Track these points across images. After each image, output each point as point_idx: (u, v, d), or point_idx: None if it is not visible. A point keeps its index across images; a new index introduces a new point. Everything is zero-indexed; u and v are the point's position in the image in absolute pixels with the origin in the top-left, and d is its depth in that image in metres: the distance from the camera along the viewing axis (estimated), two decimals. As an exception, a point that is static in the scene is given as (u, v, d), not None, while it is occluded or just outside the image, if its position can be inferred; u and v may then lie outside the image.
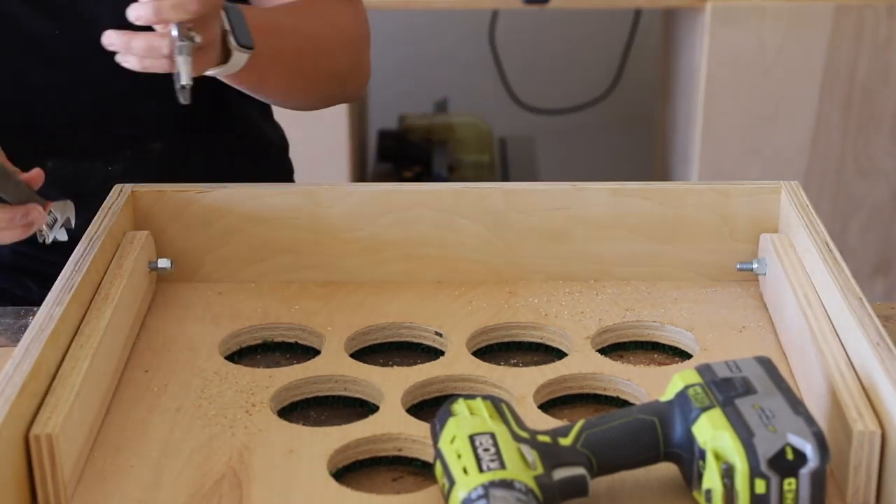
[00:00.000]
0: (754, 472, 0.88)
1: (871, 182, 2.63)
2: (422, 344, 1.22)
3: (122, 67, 1.27)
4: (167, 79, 1.29)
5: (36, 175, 1.19)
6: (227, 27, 1.19)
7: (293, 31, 1.32)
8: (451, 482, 0.91)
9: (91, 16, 1.31)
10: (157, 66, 1.13)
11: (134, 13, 1.11)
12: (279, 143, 1.61)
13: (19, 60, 1.32)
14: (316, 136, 2.58)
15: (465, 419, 0.94)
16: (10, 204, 1.14)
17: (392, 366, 1.18)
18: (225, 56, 1.20)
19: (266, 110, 1.57)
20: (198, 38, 1.13)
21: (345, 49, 1.39)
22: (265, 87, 1.33)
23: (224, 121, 1.47)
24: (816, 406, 1.02)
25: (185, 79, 1.13)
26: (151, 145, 1.39)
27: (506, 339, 1.22)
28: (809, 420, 0.90)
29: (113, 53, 1.23)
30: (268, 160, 1.56)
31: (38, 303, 1.10)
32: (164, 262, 1.27)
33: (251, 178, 1.37)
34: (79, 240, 1.19)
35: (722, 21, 2.50)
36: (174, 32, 1.12)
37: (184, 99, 1.14)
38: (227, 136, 1.48)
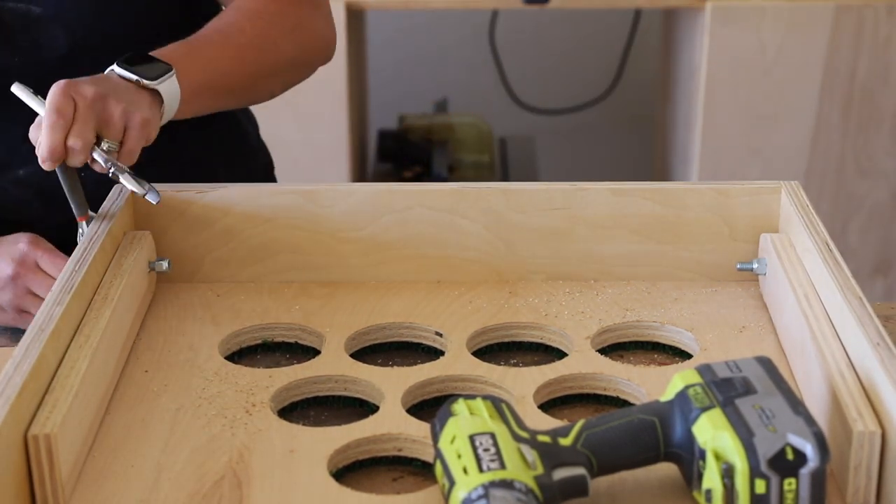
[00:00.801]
0: (754, 472, 0.88)
1: (871, 182, 2.63)
2: (422, 344, 1.22)
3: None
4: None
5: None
6: (133, 78, 1.22)
7: (223, 42, 1.33)
8: (452, 482, 0.91)
9: (48, 42, 1.32)
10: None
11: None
12: (253, 130, 1.61)
13: None
14: (316, 136, 2.58)
15: (466, 419, 0.94)
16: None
17: (392, 366, 1.18)
18: (157, 98, 1.24)
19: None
20: (113, 146, 1.18)
21: (286, 36, 1.39)
22: (221, 101, 1.37)
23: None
24: (816, 406, 1.02)
25: (132, 186, 1.19)
26: None
27: (506, 339, 1.22)
28: (809, 420, 0.90)
29: (68, 76, 1.25)
30: (245, 148, 1.55)
31: None
32: (162, 263, 1.26)
33: (224, 167, 1.39)
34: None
35: (722, 21, 2.50)
36: (98, 158, 1.18)
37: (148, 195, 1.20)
38: (195, 130, 1.45)
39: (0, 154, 1.37)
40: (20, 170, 1.37)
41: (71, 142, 1.16)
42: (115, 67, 1.23)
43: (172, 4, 1.42)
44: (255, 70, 1.36)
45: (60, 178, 1.19)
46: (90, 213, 1.22)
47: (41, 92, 1.23)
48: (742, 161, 2.61)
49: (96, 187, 1.28)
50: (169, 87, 1.24)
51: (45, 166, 1.16)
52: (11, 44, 1.32)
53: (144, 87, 1.23)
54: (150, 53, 1.26)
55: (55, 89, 1.17)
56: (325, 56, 1.46)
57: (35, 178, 1.36)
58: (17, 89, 1.21)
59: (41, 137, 1.16)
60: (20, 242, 1.27)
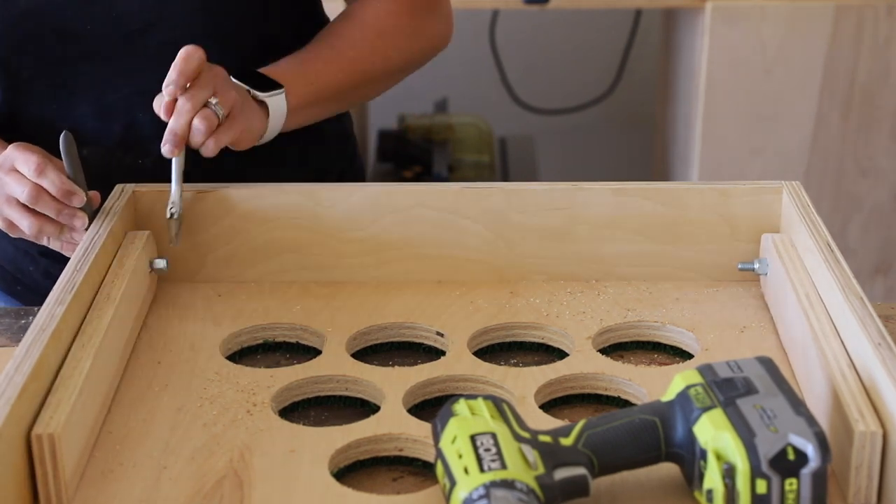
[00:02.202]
0: (755, 473, 0.88)
1: (871, 182, 2.63)
2: (423, 344, 1.22)
3: (155, 63, 1.31)
4: None
5: (93, 196, 1.25)
6: (245, 87, 1.28)
7: (333, 58, 1.36)
8: (453, 482, 0.91)
9: (123, 9, 1.31)
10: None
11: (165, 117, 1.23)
12: (337, 133, 1.55)
13: (56, 53, 1.33)
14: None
15: (467, 419, 0.94)
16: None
17: (393, 366, 1.18)
18: (265, 110, 1.29)
19: None
20: (220, 109, 1.23)
21: (398, 47, 1.40)
22: (324, 113, 1.39)
23: None
24: (818, 406, 1.02)
25: (172, 230, 1.25)
26: None
27: (507, 339, 1.22)
28: (811, 420, 0.90)
29: (147, 49, 1.31)
30: (321, 152, 1.51)
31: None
32: (160, 262, 1.26)
33: (297, 175, 1.38)
34: None
35: (722, 21, 2.50)
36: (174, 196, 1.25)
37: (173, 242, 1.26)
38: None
39: (71, 131, 1.36)
40: (84, 149, 1.37)
41: (185, 99, 1.21)
42: (230, 75, 1.28)
43: None
44: (362, 81, 1.39)
45: (63, 148, 1.22)
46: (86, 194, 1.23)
47: (114, 59, 1.29)
48: (742, 161, 2.61)
49: (128, 180, 1.30)
50: (277, 102, 1.29)
51: (166, 95, 1.21)
52: (87, 11, 1.32)
53: (254, 98, 1.28)
54: (261, 70, 1.31)
55: (189, 48, 1.21)
56: (438, 51, 1.47)
57: (97, 159, 1.36)
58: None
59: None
60: (6, 148, 1.25)
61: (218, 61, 1.34)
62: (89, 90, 1.35)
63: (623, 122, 3.34)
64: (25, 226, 1.23)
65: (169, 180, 1.25)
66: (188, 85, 1.21)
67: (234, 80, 1.28)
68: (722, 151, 2.60)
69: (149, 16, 1.32)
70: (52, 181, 1.21)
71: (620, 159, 3.35)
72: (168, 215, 1.24)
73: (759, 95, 2.56)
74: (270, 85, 1.29)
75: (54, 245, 1.27)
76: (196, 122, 1.21)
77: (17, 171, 1.22)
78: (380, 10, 1.40)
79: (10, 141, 1.33)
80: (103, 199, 1.27)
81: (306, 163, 1.42)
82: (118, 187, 1.30)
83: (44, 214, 1.23)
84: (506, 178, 2.98)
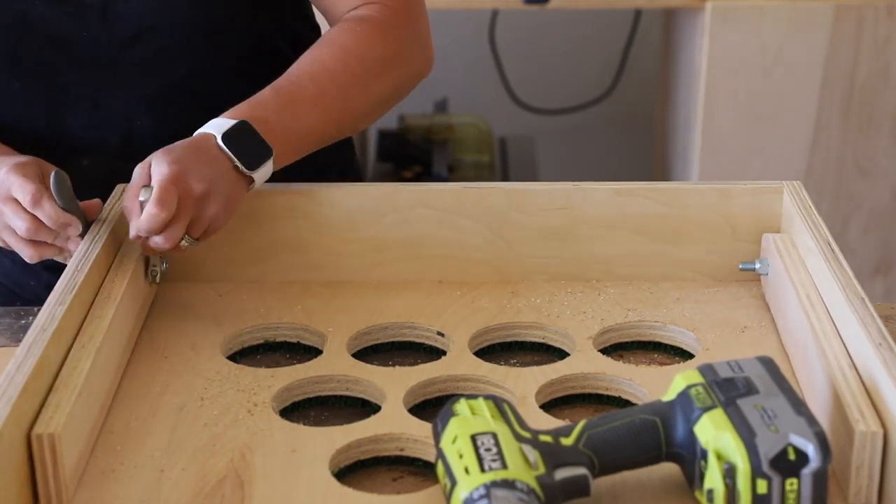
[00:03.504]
0: (756, 473, 0.89)
1: (871, 182, 2.63)
2: (424, 344, 1.22)
3: (150, 70, 1.32)
4: (197, 82, 1.30)
5: (95, 205, 1.24)
6: (235, 161, 1.19)
7: (315, 94, 1.28)
8: (453, 482, 0.91)
9: (117, 16, 1.31)
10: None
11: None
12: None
13: (49, 61, 1.32)
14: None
15: (467, 419, 0.94)
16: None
17: (394, 366, 1.18)
18: (247, 179, 1.21)
19: None
20: (193, 243, 1.19)
21: (379, 74, 1.32)
22: (308, 149, 1.30)
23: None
24: (818, 406, 1.02)
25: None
26: None
27: (508, 339, 1.22)
28: (811, 420, 0.90)
29: (142, 55, 1.29)
30: (318, 154, 1.45)
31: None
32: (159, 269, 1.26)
33: (293, 178, 1.36)
34: None
35: (722, 21, 2.50)
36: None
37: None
38: None
39: (69, 141, 1.37)
40: (84, 160, 1.37)
41: (160, 240, 1.16)
42: (217, 138, 1.19)
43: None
44: (346, 119, 1.32)
45: (55, 192, 1.19)
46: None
47: (109, 68, 1.28)
48: (742, 161, 2.61)
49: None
50: (264, 173, 1.22)
51: (130, 236, 1.18)
52: (81, 19, 1.31)
53: (240, 171, 1.20)
54: (246, 118, 1.22)
55: (167, 176, 1.15)
56: (420, 78, 1.40)
57: (99, 170, 1.36)
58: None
59: (138, 219, 1.16)
60: (3, 170, 1.22)
61: (212, 65, 1.34)
62: (85, 99, 1.34)
63: (623, 122, 3.34)
64: (26, 255, 1.23)
65: None
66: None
67: (221, 145, 1.19)
68: (722, 151, 2.60)
69: (143, 22, 1.31)
70: (48, 214, 1.19)
71: (620, 159, 3.35)
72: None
73: (759, 95, 2.56)
74: (259, 150, 1.21)
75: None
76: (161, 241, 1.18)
77: (15, 199, 1.20)
78: (360, 37, 1.32)
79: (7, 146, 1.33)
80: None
81: (305, 165, 1.41)
82: (118, 187, 1.30)
83: (42, 241, 1.22)
84: (506, 178, 2.98)
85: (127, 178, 1.35)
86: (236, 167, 1.20)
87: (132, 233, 1.17)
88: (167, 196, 1.14)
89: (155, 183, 1.15)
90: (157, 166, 1.16)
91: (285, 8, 1.43)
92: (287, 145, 1.24)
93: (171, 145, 1.19)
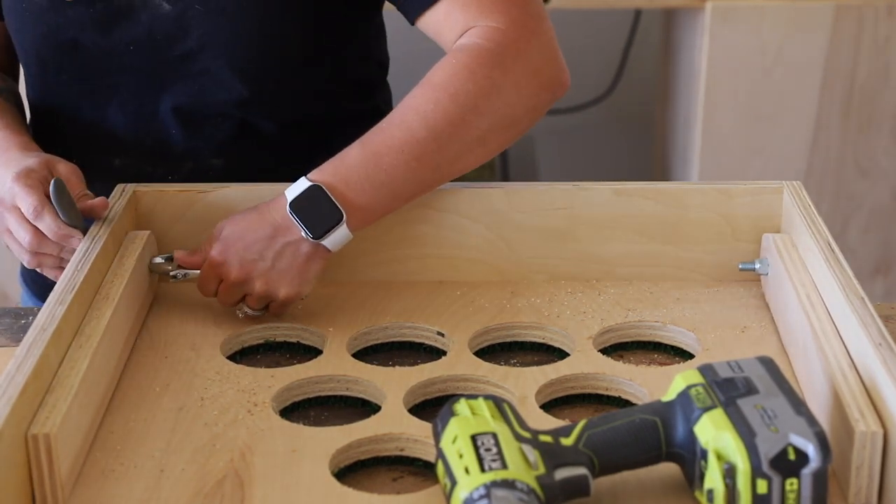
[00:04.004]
0: (756, 472, 0.88)
1: (871, 182, 2.62)
2: (423, 344, 1.22)
3: (192, 86, 1.32)
4: (235, 104, 1.31)
5: (100, 203, 1.24)
6: (301, 228, 1.18)
7: (402, 143, 1.18)
8: (453, 482, 0.91)
9: (163, 35, 1.30)
10: None
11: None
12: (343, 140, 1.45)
13: (94, 61, 1.33)
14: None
15: (467, 419, 0.94)
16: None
17: (394, 366, 1.18)
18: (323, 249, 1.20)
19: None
20: (251, 312, 1.23)
21: (476, 108, 1.19)
22: (406, 198, 1.23)
23: (293, 141, 1.39)
24: (818, 406, 1.02)
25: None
26: (212, 161, 1.37)
27: (507, 339, 1.22)
28: (811, 420, 0.90)
29: (185, 71, 1.30)
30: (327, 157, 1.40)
31: None
32: (158, 260, 1.26)
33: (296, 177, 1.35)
34: None
35: (722, 21, 2.50)
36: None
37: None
38: (293, 159, 1.36)
39: (100, 141, 1.37)
40: (116, 159, 1.37)
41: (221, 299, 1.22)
42: (287, 205, 1.18)
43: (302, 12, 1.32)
44: (443, 161, 1.20)
45: (56, 203, 1.20)
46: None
47: (148, 80, 1.30)
48: (742, 161, 2.61)
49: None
50: (336, 238, 1.19)
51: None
52: (130, 33, 1.31)
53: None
54: (329, 166, 1.19)
55: (206, 264, 1.21)
56: (550, 98, 1.26)
57: (130, 170, 1.36)
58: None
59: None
60: (9, 176, 1.22)
61: (257, 99, 1.32)
62: (126, 101, 1.35)
63: (623, 122, 3.34)
64: (26, 261, 1.24)
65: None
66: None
67: (289, 213, 1.17)
68: (722, 151, 2.60)
69: (188, 46, 1.30)
70: (48, 226, 1.19)
71: (620, 159, 3.35)
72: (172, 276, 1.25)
73: (759, 95, 2.56)
74: (328, 216, 1.17)
75: (48, 273, 1.26)
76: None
77: (18, 209, 1.21)
78: (455, 67, 1.20)
79: (38, 129, 1.34)
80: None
81: (305, 167, 1.41)
82: (119, 187, 1.30)
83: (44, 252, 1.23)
84: (506, 178, 2.98)
85: (152, 181, 1.34)
86: (304, 237, 1.18)
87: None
88: (204, 283, 1.21)
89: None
90: (209, 245, 1.21)
91: (350, 47, 1.38)
92: (375, 199, 1.19)
93: (241, 214, 1.21)
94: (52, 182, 1.19)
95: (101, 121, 1.36)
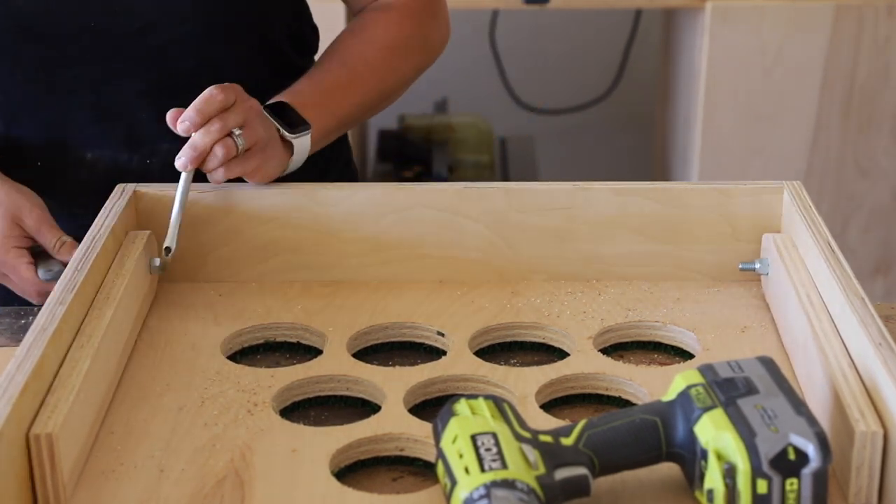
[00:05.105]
0: (756, 473, 0.88)
1: (871, 182, 2.63)
2: (424, 344, 1.22)
3: (154, 63, 1.34)
4: (201, 75, 1.30)
5: (72, 246, 1.28)
6: (276, 124, 1.28)
7: (350, 81, 1.38)
8: (453, 482, 0.91)
9: (124, 8, 1.31)
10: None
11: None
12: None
13: (51, 54, 1.33)
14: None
15: (467, 419, 0.94)
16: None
17: (394, 365, 1.18)
18: (289, 149, 1.29)
19: None
20: (241, 142, 1.24)
21: (408, 60, 1.44)
22: (344, 129, 1.41)
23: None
24: (818, 406, 1.02)
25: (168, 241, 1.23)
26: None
27: (508, 339, 1.22)
28: (811, 420, 0.90)
29: (146, 48, 1.31)
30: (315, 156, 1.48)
31: None
32: (157, 261, 1.26)
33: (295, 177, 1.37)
34: None
35: (722, 21, 2.51)
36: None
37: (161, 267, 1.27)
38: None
39: (73, 133, 1.37)
40: (88, 153, 1.37)
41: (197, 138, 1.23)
42: (269, 110, 1.29)
43: None
44: (378, 99, 1.42)
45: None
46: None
47: (114, 58, 1.31)
48: (742, 161, 2.61)
49: (137, 181, 1.30)
50: (303, 142, 1.30)
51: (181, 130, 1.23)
52: (86, 10, 1.31)
53: (281, 136, 1.29)
54: (285, 98, 1.31)
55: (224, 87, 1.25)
56: (437, 57, 1.49)
57: (103, 163, 1.37)
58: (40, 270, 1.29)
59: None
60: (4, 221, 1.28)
61: (216, 58, 1.34)
62: (88, 92, 1.35)
63: (623, 122, 3.34)
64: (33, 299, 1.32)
65: (177, 181, 1.25)
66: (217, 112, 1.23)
67: (267, 114, 1.28)
68: (722, 151, 2.61)
69: (149, 15, 1.32)
70: (29, 295, 1.30)
71: (620, 159, 3.35)
72: (164, 252, 1.24)
73: (759, 95, 2.56)
74: (298, 122, 1.30)
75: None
76: (216, 146, 1.22)
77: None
78: (389, 24, 1.42)
79: (6, 156, 1.34)
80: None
81: (304, 167, 1.41)
82: (119, 187, 1.30)
83: None
84: (506, 178, 2.98)
85: (130, 171, 1.35)
86: (278, 130, 1.28)
87: (184, 126, 1.23)
88: (214, 94, 1.22)
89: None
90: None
91: (288, 5, 1.44)
92: (325, 127, 1.33)
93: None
94: (40, 271, 1.27)
95: (64, 117, 1.36)
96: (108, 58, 1.33)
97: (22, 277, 1.29)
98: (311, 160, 1.34)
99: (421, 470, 1.04)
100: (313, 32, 1.51)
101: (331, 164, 1.49)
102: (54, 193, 1.36)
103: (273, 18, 1.42)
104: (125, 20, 1.32)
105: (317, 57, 1.48)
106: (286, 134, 1.28)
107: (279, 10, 1.43)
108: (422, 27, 1.44)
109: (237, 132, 1.23)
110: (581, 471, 0.92)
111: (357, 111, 1.40)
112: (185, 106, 1.29)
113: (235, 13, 1.36)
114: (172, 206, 1.23)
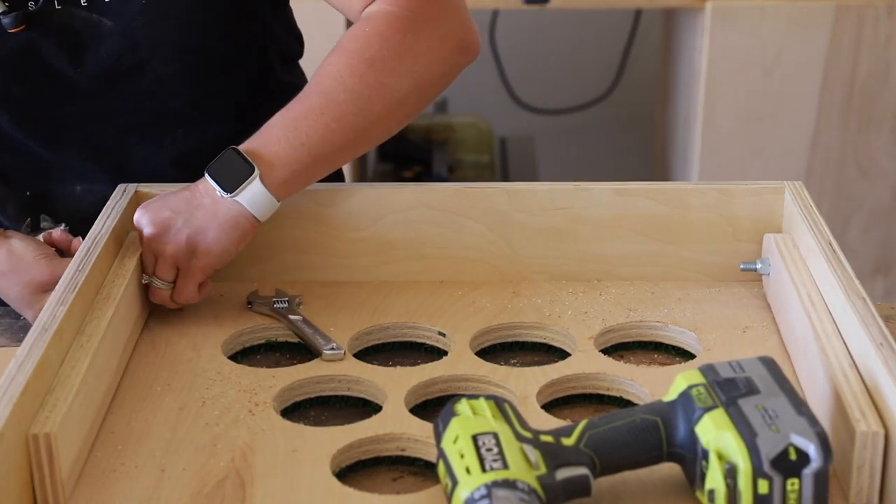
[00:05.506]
0: (757, 473, 0.88)
1: (871, 182, 2.63)
2: (425, 344, 1.22)
3: (143, 102, 1.33)
4: (191, 111, 1.29)
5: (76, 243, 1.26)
6: (216, 191, 1.19)
7: (322, 107, 1.21)
8: (454, 482, 0.91)
9: (109, 51, 1.30)
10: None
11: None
12: None
13: (41, 93, 1.32)
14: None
15: (468, 419, 0.94)
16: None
17: (395, 366, 1.18)
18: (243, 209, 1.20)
19: None
20: (163, 284, 1.21)
21: (393, 70, 1.23)
22: (333, 160, 1.24)
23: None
24: (819, 406, 1.02)
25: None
26: (170, 171, 1.37)
27: (509, 339, 1.22)
28: (812, 420, 0.90)
29: (135, 88, 1.30)
30: None
31: None
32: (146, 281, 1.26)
33: None
34: None
35: (722, 21, 2.50)
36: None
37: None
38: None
39: (62, 170, 1.37)
40: (77, 186, 1.38)
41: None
42: (207, 171, 1.20)
43: (235, 24, 1.36)
44: (365, 123, 1.23)
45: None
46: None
47: (99, 103, 1.30)
48: (742, 161, 2.61)
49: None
50: (252, 195, 1.18)
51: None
52: (74, 52, 1.31)
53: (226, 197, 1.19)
54: (255, 136, 1.21)
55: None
56: (464, 61, 1.30)
57: (92, 196, 1.36)
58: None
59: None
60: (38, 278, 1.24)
61: (205, 94, 1.33)
62: (77, 130, 1.34)
63: (623, 122, 3.34)
64: None
65: None
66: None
67: (208, 178, 1.19)
68: (722, 151, 2.60)
69: (137, 57, 1.31)
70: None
71: (620, 159, 3.35)
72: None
73: (759, 95, 2.56)
74: (241, 172, 1.18)
75: None
76: (151, 298, 1.22)
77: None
78: (368, 35, 1.23)
79: None
80: None
81: None
82: (120, 187, 1.30)
83: None
84: (506, 178, 2.98)
85: None
86: (220, 196, 1.19)
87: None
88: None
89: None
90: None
91: (279, 25, 1.42)
92: (293, 157, 1.20)
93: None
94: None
95: (53, 153, 1.36)
96: (98, 97, 1.32)
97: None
98: None
99: (422, 470, 1.04)
100: (298, 42, 1.48)
101: None
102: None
103: (268, 43, 1.40)
104: (113, 62, 1.31)
105: (301, 61, 1.47)
106: (224, 196, 1.18)
107: (272, 34, 1.40)
108: (409, 34, 1.24)
109: (145, 280, 1.21)
110: (582, 471, 0.92)
111: (339, 137, 1.21)
112: (177, 142, 1.32)
113: (219, 46, 1.34)
114: None
